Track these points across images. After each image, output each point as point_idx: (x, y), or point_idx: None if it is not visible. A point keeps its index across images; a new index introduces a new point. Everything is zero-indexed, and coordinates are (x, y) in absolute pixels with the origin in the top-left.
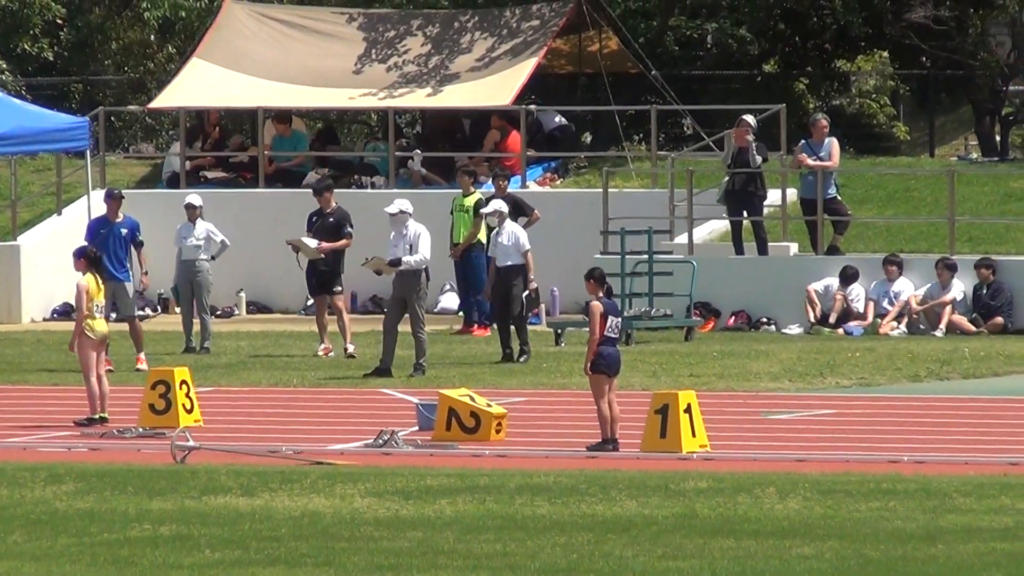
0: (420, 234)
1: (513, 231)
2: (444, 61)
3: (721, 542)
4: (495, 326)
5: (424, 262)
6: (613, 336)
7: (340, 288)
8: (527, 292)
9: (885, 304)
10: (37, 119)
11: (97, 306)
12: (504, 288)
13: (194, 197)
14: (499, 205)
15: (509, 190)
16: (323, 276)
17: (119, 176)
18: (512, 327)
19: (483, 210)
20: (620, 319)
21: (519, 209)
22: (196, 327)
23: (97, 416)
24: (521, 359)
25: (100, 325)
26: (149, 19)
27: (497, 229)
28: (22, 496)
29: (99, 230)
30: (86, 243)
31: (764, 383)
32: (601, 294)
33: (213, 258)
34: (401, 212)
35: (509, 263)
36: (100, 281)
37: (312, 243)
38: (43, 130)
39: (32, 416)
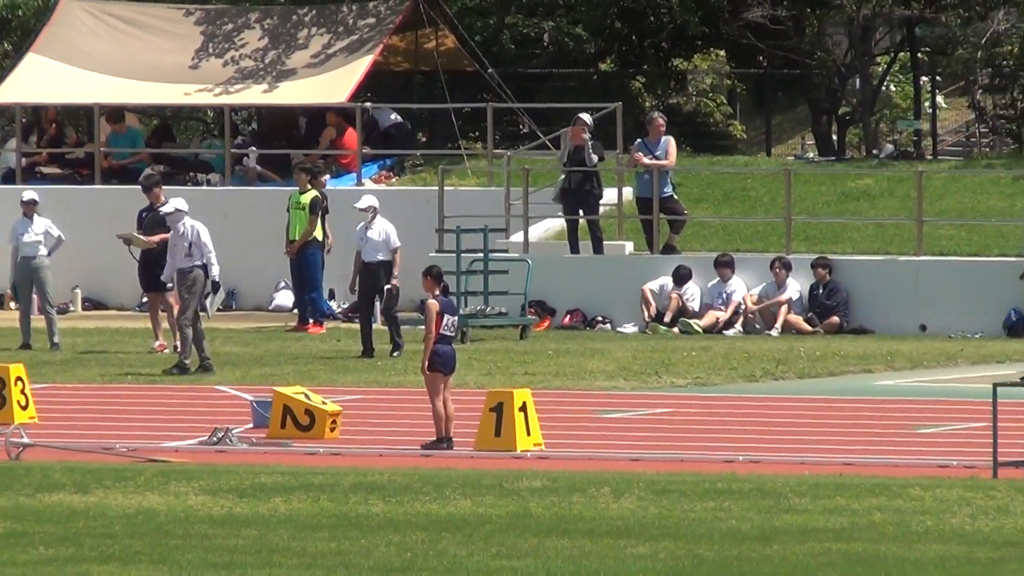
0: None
1: (384, 228)
2: (281, 56)
3: (556, 541)
4: (353, 321)
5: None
6: (449, 334)
7: (172, 284)
8: (389, 287)
9: (719, 303)
10: None
11: None
12: (371, 283)
13: (31, 193)
14: (372, 200)
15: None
16: (155, 272)
17: None
18: (375, 323)
19: (357, 204)
20: (457, 317)
21: None
22: (35, 324)
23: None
24: (394, 353)
25: None
26: None
27: (367, 224)
28: None
29: None
30: None
31: (599, 382)
32: (438, 292)
33: (49, 254)
34: (177, 211)
35: (378, 258)
36: None
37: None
38: None
39: None
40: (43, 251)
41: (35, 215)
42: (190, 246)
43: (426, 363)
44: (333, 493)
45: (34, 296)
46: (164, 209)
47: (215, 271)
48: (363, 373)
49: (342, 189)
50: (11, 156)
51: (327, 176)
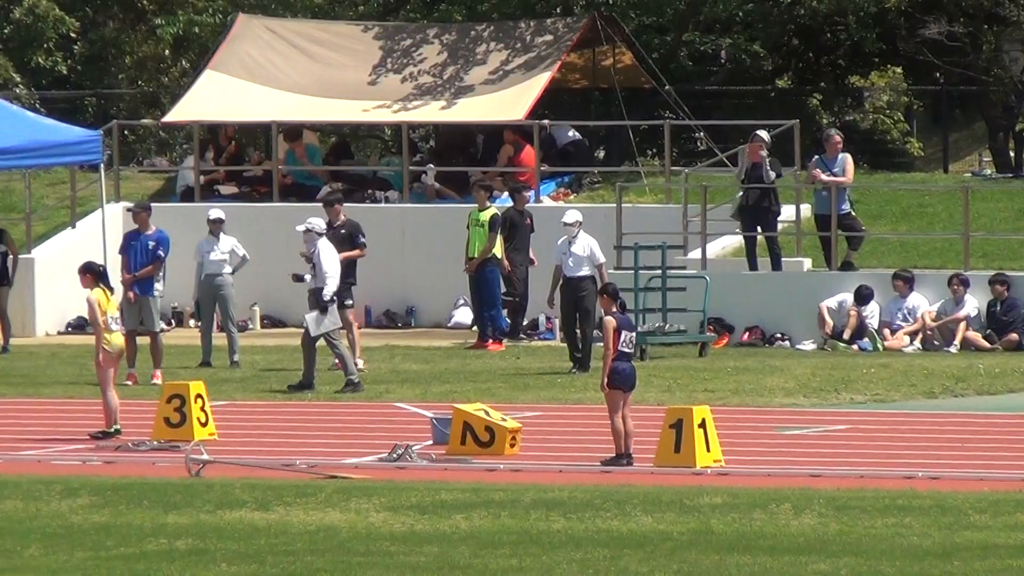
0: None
1: (588, 243)
2: (459, 73)
3: (736, 558)
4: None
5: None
6: (628, 351)
7: (351, 302)
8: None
9: (899, 320)
10: (51, 132)
11: (112, 318)
12: (574, 298)
13: (218, 211)
14: (578, 215)
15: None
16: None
17: (133, 190)
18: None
19: (564, 219)
20: (634, 334)
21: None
22: (215, 342)
23: (112, 429)
24: (572, 370)
25: (116, 338)
26: (163, 35)
27: (570, 239)
28: (38, 509)
29: (130, 242)
30: (120, 255)
31: (778, 398)
32: (615, 309)
33: (233, 272)
34: (308, 231)
35: (581, 273)
36: (109, 293)
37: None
38: (57, 143)
39: (47, 429)
40: (227, 269)
41: (221, 233)
42: (313, 267)
43: (605, 380)
44: (514, 509)
45: (215, 314)
46: (298, 227)
47: (327, 291)
48: (542, 390)
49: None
50: (189, 174)
51: (529, 192)
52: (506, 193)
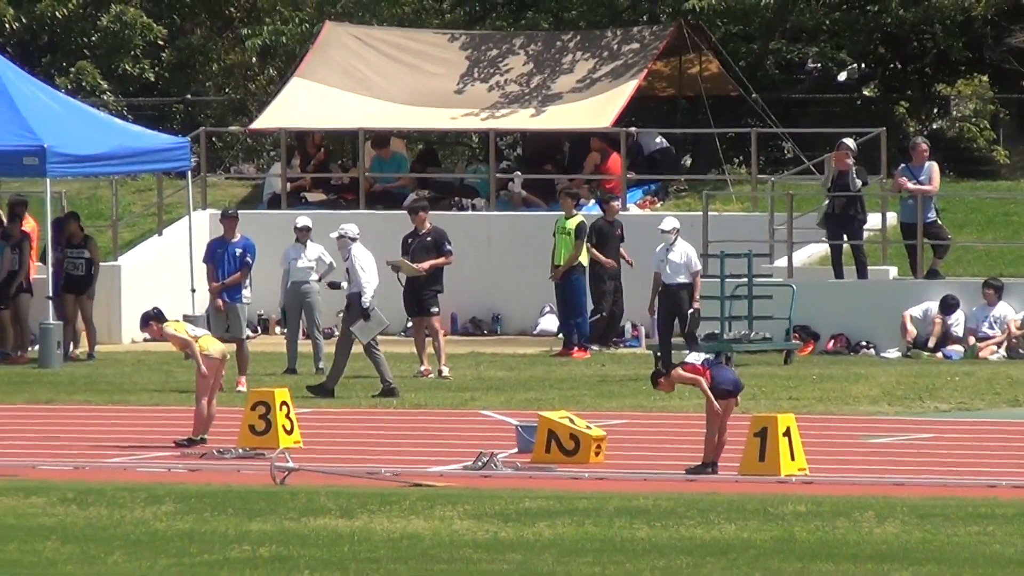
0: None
1: (686, 250)
2: (545, 81)
3: (820, 566)
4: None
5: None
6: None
7: (437, 309)
8: (692, 311)
9: (985, 328)
10: (138, 139)
11: (191, 331)
12: (671, 305)
13: (306, 219)
14: (675, 222)
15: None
16: (420, 297)
17: (220, 197)
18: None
19: (661, 226)
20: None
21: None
22: (302, 349)
23: (198, 437)
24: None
25: (211, 343)
26: (250, 46)
27: (668, 246)
28: (122, 516)
29: (216, 249)
30: (205, 264)
31: (863, 407)
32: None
33: (320, 279)
34: (341, 237)
35: (679, 281)
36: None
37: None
38: (144, 150)
39: (132, 436)
40: (314, 277)
41: (308, 241)
42: (348, 272)
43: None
44: (598, 518)
45: (301, 321)
46: (332, 234)
47: (366, 298)
48: (628, 398)
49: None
50: (276, 181)
51: (618, 202)
52: (593, 201)
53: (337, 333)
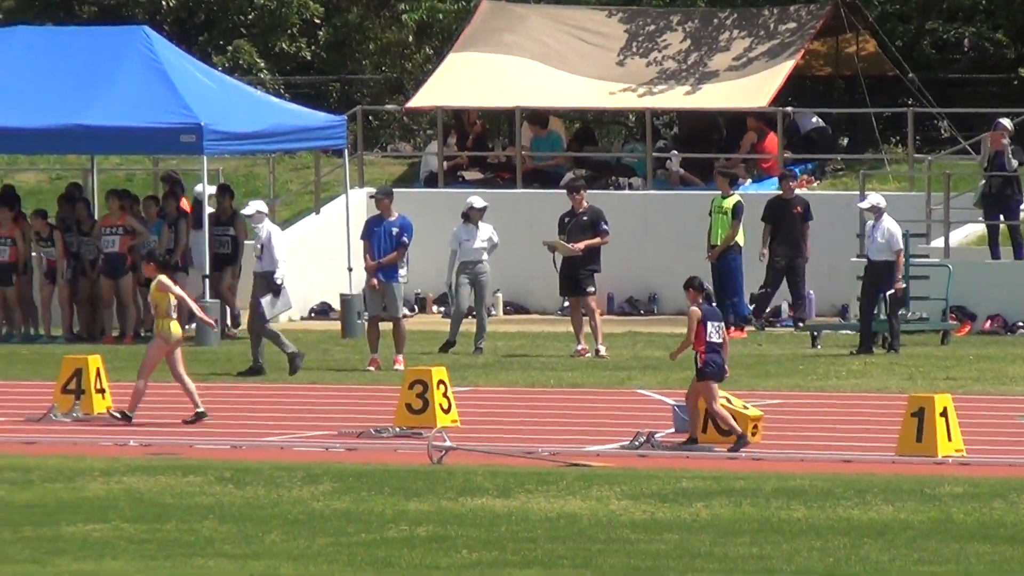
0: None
1: (888, 227)
2: (702, 58)
3: (977, 547)
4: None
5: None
6: (716, 342)
7: (593, 289)
8: (892, 291)
9: None
10: (295, 117)
11: (172, 307)
12: (874, 282)
13: (478, 199)
14: (877, 199)
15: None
16: (577, 277)
17: (377, 175)
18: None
19: (860, 203)
20: (721, 322)
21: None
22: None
23: (131, 413)
24: (888, 351)
25: (175, 327)
26: (407, 21)
27: (874, 224)
28: (279, 496)
29: (373, 228)
30: (362, 241)
31: (1020, 387)
32: (700, 300)
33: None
34: (257, 212)
35: (882, 258)
36: (173, 282)
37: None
38: (301, 128)
39: (289, 416)
40: (485, 257)
41: (480, 221)
42: (261, 249)
43: (696, 373)
44: (755, 498)
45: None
46: (244, 211)
47: (278, 275)
48: (784, 377)
49: (762, 193)
50: (432, 159)
51: (795, 181)
52: (750, 181)
53: (495, 313)
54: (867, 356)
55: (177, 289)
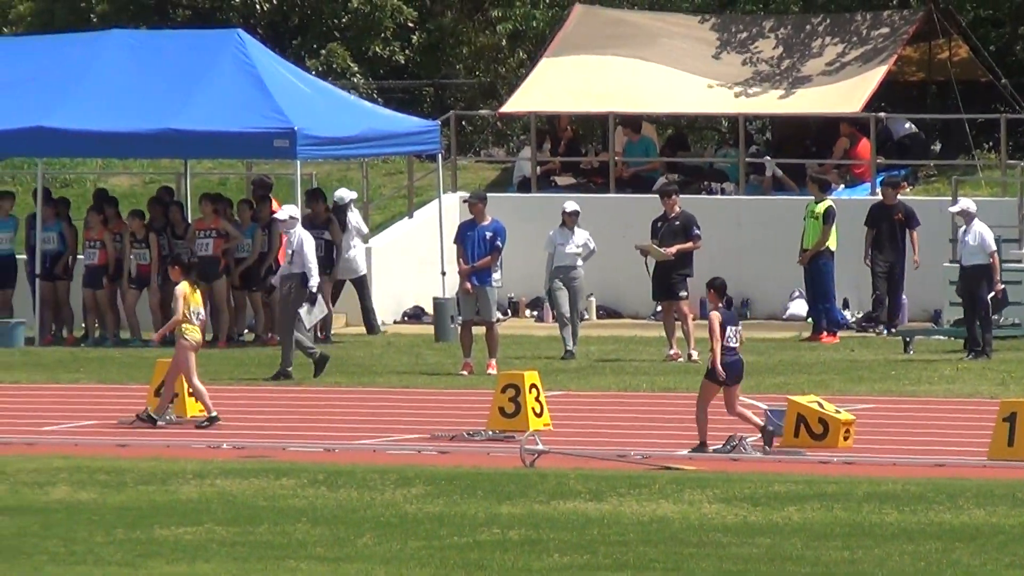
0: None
1: (980, 231)
2: (795, 64)
3: None
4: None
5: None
6: (733, 346)
7: (686, 293)
8: (992, 293)
9: None
10: (388, 122)
11: (195, 312)
12: (968, 286)
13: (574, 204)
14: (967, 204)
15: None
16: (669, 282)
17: (470, 180)
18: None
19: (951, 208)
20: (739, 328)
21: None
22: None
23: (213, 413)
24: (978, 357)
25: (195, 332)
26: (501, 30)
27: (965, 228)
28: (372, 499)
29: (466, 232)
30: (455, 245)
31: None
32: (720, 304)
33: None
34: (290, 218)
35: (974, 263)
36: (195, 287)
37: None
38: (394, 133)
39: (382, 419)
40: (580, 262)
41: (576, 226)
42: (292, 254)
43: (719, 370)
44: (847, 502)
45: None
46: (277, 216)
47: (312, 283)
48: (877, 382)
49: (855, 199)
50: (525, 165)
51: (897, 190)
52: (843, 186)
53: (588, 317)
54: (978, 359)
55: (179, 290)
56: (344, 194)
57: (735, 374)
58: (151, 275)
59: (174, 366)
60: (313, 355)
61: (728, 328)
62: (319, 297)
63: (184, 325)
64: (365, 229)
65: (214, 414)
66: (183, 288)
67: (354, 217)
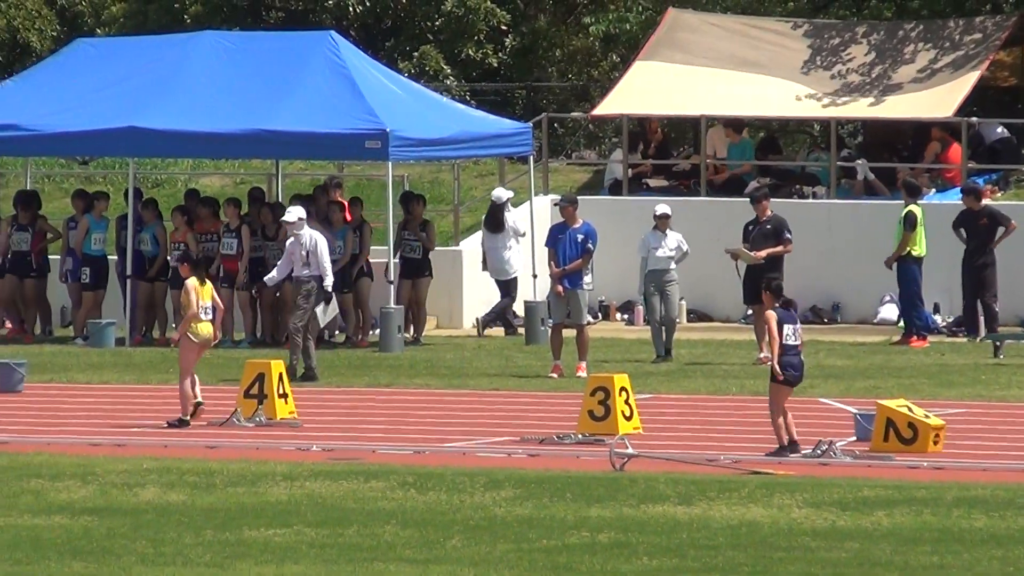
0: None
1: None
2: (887, 70)
3: None
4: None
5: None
6: (792, 343)
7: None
8: None
9: None
10: (480, 124)
11: (204, 308)
12: None
13: (665, 207)
14: None
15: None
16: (759, 285)
17: (562, 182)
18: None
19: None
20: (798, 326)
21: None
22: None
23: (188, 417)
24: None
25: (204, 328)
26: (594, 32)
27: None
28: (461, 501)
29: (557, 235)
30: (547, 248)
31: None
32: (777, 304)
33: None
34: (299, 220)
35: None
36: (204, 283)
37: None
38: (486, 135)
39: (472, 421)
40: (673, 265)
41: (668, 229)
42: (307, 255)
43: (776, 370)
44: (936, 507)
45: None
46: (286, 217)
47: (328, 282)
48: (967, 387)
49: (946, 203)
50: (617, 167)
51: (982, 199)
52: (934, 191)
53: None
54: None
55: (188, 286)
56: (501, 193)
57: (797, 376)
58: (238, 271)
59: (181, 365)
60: (309, 366)
61: (785, 326)
62: (333, 296)
63: (193, 322)
64: (523, 229)
65: (186, 417)
66: (193, 283)
67: (511, 216)
